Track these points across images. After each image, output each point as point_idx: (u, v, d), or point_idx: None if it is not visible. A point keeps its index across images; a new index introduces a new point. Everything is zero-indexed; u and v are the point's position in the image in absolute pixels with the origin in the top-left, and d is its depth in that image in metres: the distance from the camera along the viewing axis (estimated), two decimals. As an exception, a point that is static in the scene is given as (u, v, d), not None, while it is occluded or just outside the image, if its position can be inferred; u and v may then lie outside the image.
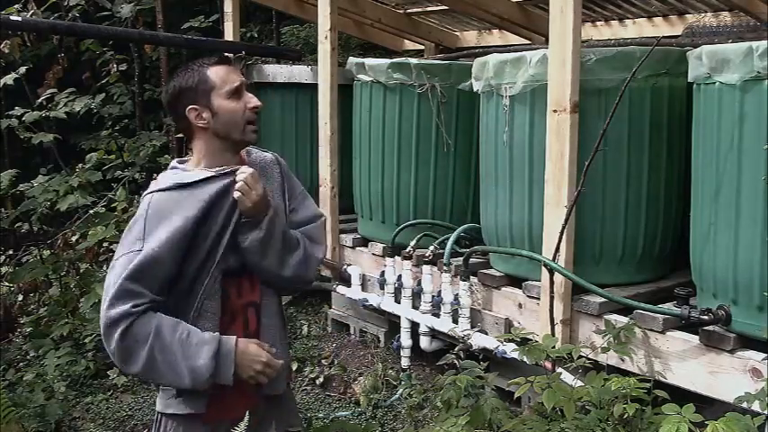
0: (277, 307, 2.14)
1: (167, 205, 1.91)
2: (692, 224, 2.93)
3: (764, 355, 2.56)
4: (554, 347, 2.61)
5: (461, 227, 3.91)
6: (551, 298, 3.09)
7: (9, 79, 5.13)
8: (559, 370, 2.77)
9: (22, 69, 5.21)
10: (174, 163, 2.09)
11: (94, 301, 4.42)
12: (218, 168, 1.98)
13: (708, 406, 2.59)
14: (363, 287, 4.42)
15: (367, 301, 4.27)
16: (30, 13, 5.59)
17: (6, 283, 5.41)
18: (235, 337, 1.94)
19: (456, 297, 3.68)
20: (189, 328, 1.89)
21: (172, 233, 1.88)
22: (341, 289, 4.53)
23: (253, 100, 2.02)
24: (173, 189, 1.94)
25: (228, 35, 5.63)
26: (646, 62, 2.96)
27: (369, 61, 4.38)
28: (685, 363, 2.80)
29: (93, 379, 4.32)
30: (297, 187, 2.23)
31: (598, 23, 5.20)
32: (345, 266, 4.56)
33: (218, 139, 1.99)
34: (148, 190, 1.98)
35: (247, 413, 1.93)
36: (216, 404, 1.99)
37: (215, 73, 1.98)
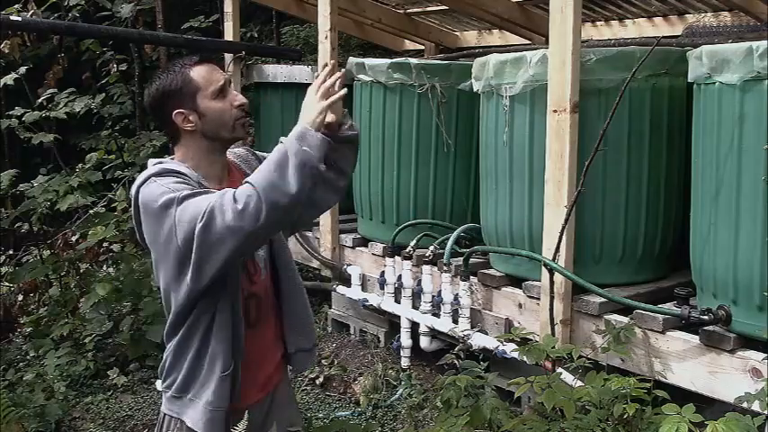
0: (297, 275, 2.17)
1: (178, 180, 1.86)
2: (692, 224, 2.93)
3: (764, 355, 2.56)
4: (554, 347, 2.61)
5: (461, 227, 3.91)
6: (551, 298, 3.09)
7: (9, 79, 5.12)
8: (559, 370, 2.77)
9: (22, 69, 5.20)
10: (166, 158, 2.04)
11: (94, 301, 4.42)
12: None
13: (708, 406, 2.59)
14: (363, 287, 4.42)
15: (367, 301, 4.27)
16: (30, 13, 5.59)
17: (6, 283, 5.41)
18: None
19: (456, 297, 3.68)
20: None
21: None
22: (341, 289, 4.53)
23: (238, 97, 1.98)
24: (177, 173, 1.88)
25: (228, 35, 5.64)
26: (646, 62, 2.96)
27: (369, 61, 4.38)
28: (685, 363, 2.80)
29: (93, 379, 4.32)
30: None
31: (598, 23, 5.20)
32: (345, 266, 4.56)
33: (207, 140, 1.96)
34: (150, 172, 1.90)
35: (247, 412, 1.94)
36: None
37: (198, 74, 1.93)
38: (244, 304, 2.00)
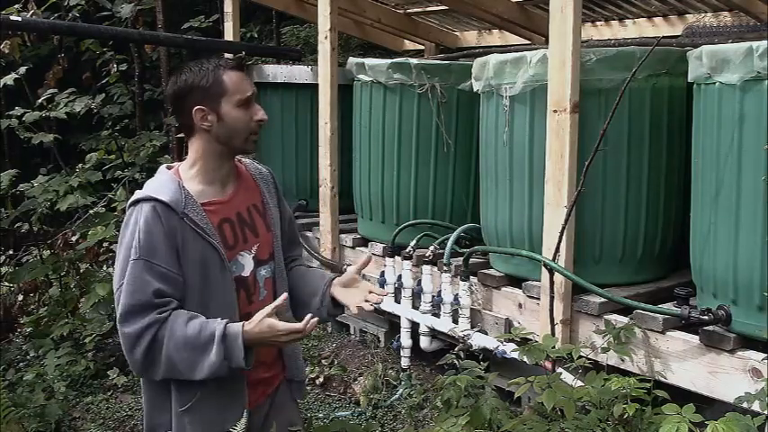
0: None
1: (154, 218, 1.89)
2: (692, 224, 2.93)
3: (764, 355, 2.56)
4: (554, 347, 2.61)
5: (461, 227, 3.91)
6: (551, 298, 3.09)
7: (9, 79, 5.12)
8: (559, 370, 2.77)
9: (22, 69, 5.20)
10: (162, 168, 2.05)
11: (94, 301, 4.41)
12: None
13: (708, 406, 2.59)
14: (363, 287, 4.41)
15: (367, 301, 4.27)
16: (30, 13, 5.59)
17: (6, 283, 5.41)
18: (241, 323, 1.92)
19: (456, 297, 3.68)
20: (200, 323, 1.87)
21: (166, 246, 1.88)
22: (341, 289, 4.52)
23: (260, 113, 2.00)
24: (157, 201, 1.90)
25: (228, 35, 5.64)
26: (646, 62, 2.96)
27: (369, 61, 4.38)
28: (685, 363, 2.80)
29: (93, 379, 4.32)
30: (286, 206, 2.27)
31: (598, 23, 5.20)
32: (345, 266, 4.56)
33: (218, 144, 1.98)
34: (135, 197, 1.94)
35: (247, 412, 1.93)
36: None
37: (230, 78, 1.95)
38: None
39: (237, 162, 2.13)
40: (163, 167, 2.06)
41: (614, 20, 5.09)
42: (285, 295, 1.98)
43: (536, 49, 3.74)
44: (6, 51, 5.40)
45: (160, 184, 1.95)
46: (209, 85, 1.93)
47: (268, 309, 1.90)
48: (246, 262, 2.04)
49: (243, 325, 1.88)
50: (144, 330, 1.84)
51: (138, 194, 1.94)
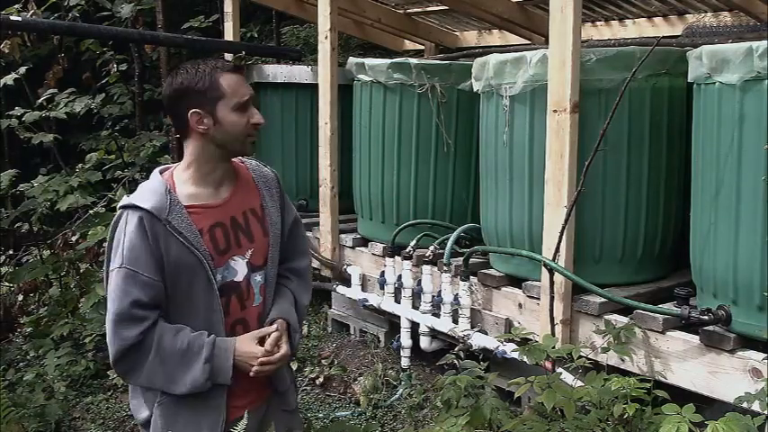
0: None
1: (138, 227, 1.89)
2: (692, 224, 2.93)
3: (764, 355, 2.56)
4: (554, 347, 2.61)
5: (461, 227, 3.91)
6: (551, 298, 3.09)
7: (9, 79, 5.12)
8: (559, 370, 2.77)
9: (22, 69, 5.21)
10: (155, 172, 2.05)
11: (94, 301, 4.41)
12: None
13: (708, 406, 2.59)
14: (363, 287, 4.42)
15: (367, 301, 4.27)
16: (30, 13, 5.58)
17: (6, 283, 5.41)
18: (234, 339, 1.97)
19: (456, 297, 3.68)
20: (188, 337, 1.92)
21: (149, 254, 1.89)
22: (341, 289, 4.53)
23: (256, 116, 1.99)
24: (140, 209, 1.90)
25: (228, 35, 5.64)
26: (646, 62, 2.96)
27: (369, 61, 4.37)
28: (685, 363, 2.80)
29: (93, 379, 4.33)
30: (291, 211, 2.24)
31: (598, 23, 5.20)
32: (345, 266, 4.56)
33: (214, 146, 1.97)
34: (123, 203, 1.95)
35: (246, 413, 1.93)
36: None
37: (227, 81, 1.93)
38: (231, 329, 2.02)
39: (239, 163, 2.12)
40: (156, 171, 2.05)
41: (614, 20, 5.09)
42: (275, 327, 2.02)
43: (536, 49, 3.74)
44: (6, 51, 5.40)
45: (147, 191, 1.95)
46: (205, 89, 1.91)
47: (256, 333, 2.00)
48: (239, 267, 2.03)
49: (235, 342, 1.96)
50: (126, 340, 1.88)
51: (125, 200, 1.95)
